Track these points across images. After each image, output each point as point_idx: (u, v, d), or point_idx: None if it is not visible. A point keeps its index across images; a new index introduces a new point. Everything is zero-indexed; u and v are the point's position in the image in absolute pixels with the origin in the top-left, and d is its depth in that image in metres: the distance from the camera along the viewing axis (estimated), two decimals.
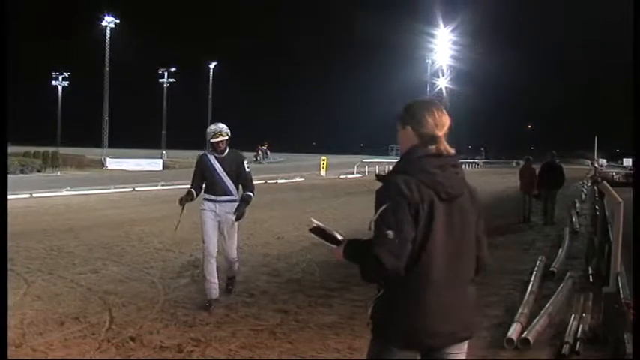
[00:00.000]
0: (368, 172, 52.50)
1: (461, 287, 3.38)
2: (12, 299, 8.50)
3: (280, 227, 16.63)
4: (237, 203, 8.61)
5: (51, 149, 54.34)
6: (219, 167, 8.55)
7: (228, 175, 8.57)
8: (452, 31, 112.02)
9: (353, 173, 49.99)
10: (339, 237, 3.57)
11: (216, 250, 8.57)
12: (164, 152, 74.34)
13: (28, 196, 24.33)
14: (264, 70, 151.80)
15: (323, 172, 47.73)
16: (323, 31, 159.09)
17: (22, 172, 41.38)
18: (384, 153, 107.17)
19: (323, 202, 25.89)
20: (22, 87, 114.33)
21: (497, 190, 32.91)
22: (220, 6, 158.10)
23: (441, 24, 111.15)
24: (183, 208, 8.66)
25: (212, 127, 8.59)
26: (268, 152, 79.09)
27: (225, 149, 8.62)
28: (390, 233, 3.15)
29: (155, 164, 56.06)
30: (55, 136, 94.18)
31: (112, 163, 54.13)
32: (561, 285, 9.61)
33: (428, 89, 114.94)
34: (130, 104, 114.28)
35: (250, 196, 8.73)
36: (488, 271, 11.28)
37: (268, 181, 36.77)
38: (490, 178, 45.85)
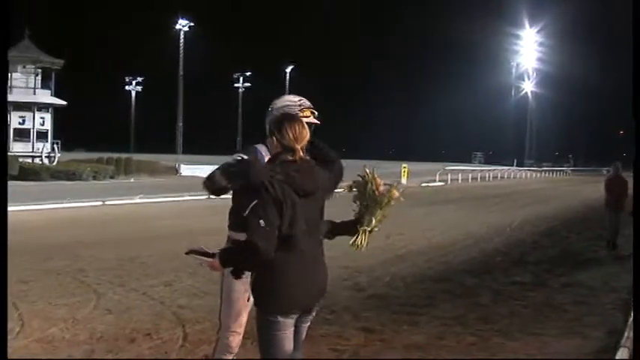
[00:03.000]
0: (451, 179, 51.90)
1: (319, 261, 4.36)
2: (81, 312, 8.43)
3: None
4: None
5: (124, 155, 55.13)
6: None
7: None
8: (538, 31, 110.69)
9: (435, 181, 49.42)
10: (211, 251, 4.13)
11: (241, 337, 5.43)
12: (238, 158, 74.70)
13: (100, 203, 24.53)
14: (342, 75, 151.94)
15: (404, 180, 47.24)
16: (402, 33, 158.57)
17: (94, 178, 41.99)
18: (467, 160, 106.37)
19: (405, 211, 25.47)
20: (95, 93, 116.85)
21: (589, 200, 31.95)
22: (295, 9, 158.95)
23: (527, 24, 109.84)
24: None
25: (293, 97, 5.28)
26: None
27: None
28: (261, 222, 3.91)
29: None
30: (129, 142, 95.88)
31: (186, 170, 54.51)
32: None
33: (513, 93, 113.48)
34: (204, 109, 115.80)
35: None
36: (583, 287, 10.92)
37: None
38: (581, 188, 44.81)
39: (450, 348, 7.42)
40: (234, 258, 4.18)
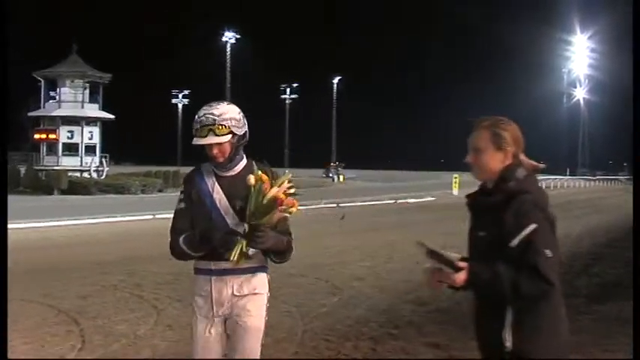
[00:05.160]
0: None
1: None
2: (142, 328, 8.43)
3: (417, 250, 16.15)
4: (256, 274, 4.34)
5: (172, 168, 55.54)
6: (219, 195, 4.31)
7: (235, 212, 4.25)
8: (589, 37, 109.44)
9: None
10: (457, 262, 3.38)
11: None
12: (287, 171, 74.63)
13: (150, 217, 24.70)
14: (390, 85, 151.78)
15: (455, 191, 46.88)
16: (451, 41, 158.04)
17: (142, 192, 42.37)
18: None
19: (458, 222, 25.21)
20: (142, 106, 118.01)
21: None
22: (342, 19, 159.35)
23: (578, 30, 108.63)
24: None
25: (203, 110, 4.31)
26: (339, 170, 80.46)
27: (232, 158, 4.31)
28: (549, 252, 3.29)
29: None
30: (176, 155, 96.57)
31: None
32: None
33: (564, 100, 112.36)
34: (251, 121, 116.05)
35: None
36: None
37: (398, 200, 36.42)
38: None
39: None
40: (492, 284, 3.33)
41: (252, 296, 4.30)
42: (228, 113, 4.22)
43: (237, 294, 4.26)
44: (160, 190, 44.73)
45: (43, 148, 54.35)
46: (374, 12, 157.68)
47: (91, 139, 55.05)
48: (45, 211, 26.86)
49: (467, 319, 9.03)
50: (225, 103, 4.33)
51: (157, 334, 8.27)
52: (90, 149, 54.49)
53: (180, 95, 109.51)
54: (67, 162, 51.41)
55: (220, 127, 4.16)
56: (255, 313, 4.31)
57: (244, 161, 4.38)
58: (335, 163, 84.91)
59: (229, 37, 76.01)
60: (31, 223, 21.52)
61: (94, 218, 23.51)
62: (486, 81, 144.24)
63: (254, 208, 3.99)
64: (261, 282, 4.34)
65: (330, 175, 79.90)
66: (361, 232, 21.34)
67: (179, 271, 12.63)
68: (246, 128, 4.35)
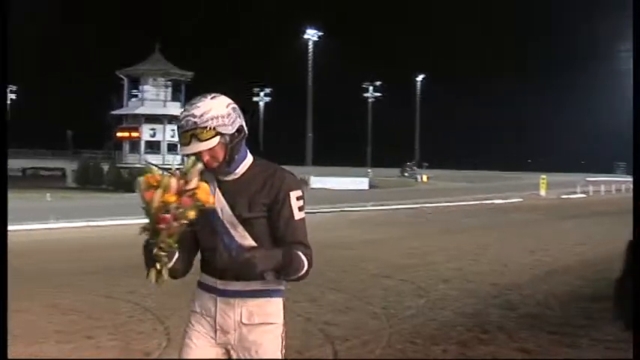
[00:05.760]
0: (592, 191, 50.52)
1: None
2: None
3: (505, 252, 16.04)
4: (270, 299, 3.64)
5: None
6: (220, 204, 3.59)
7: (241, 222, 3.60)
8: None
9: (575, 193, 48.17)
10: None
11: None
12: (369, 170, 74.62)
13: None
14: (476, 84, 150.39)
15: (542, 192, 46.29)
16: (538, 40, 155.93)
17: None
18: (608, 170, 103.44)
19: (547, 225, 24.91)
20: None
21: None
22: (425, 16, 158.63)
23: None
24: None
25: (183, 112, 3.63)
26: (415, 169, 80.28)
27: (229, 161, 3.57)
28: None
29: (361, 183, 56.53)
30: (258, 153, 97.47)
31: (315, 182, 55.05)
32: None
33: None
34: (333, 120, 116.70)
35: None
36: None
37: (484, 201, 36.11)
38: None
39: None
40: None
41: (265, 327, 3.57)
42: (212, 111, 3.45)
43: (247, 322, 3.56)
44: None
45: (126, 146, 55.57)
46: (463, 7, 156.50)
47: (173, 137, 55.95)
48: (127, 208, 27.34)
49: (556, 325, 8.92)
50: (209, 97, 3.50)
51: None
52: (172, 147, 55.45)
53: (261, 93, 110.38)
54: (150, 160, 52.26)
55: (203, 131, 3.42)
56: (270, 349, 3.57)
57: (248, 160, 3.63)
58: (412, 162, 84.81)
59: (311, 34, 76.19)
60: (120, 220, 22.01)
61: None
62: (573, 81, 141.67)
63: (148, 225, 3.23)
64: (276, 309, 3.63)
65: (406, 174, 79.79)
66: (447, 233, 21.21)
67: None
68: (239, 122, 3.54)
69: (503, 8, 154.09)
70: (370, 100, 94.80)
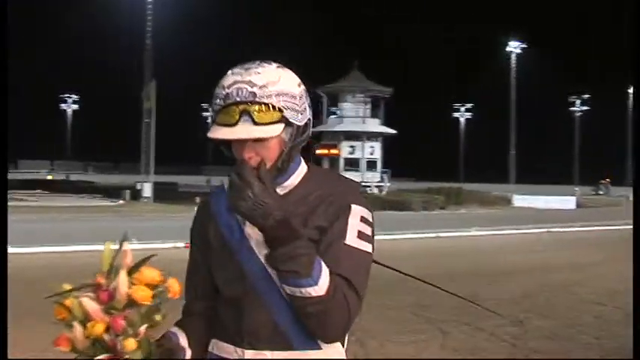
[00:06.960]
0: None
1: None
2: (427, 351, 8.37)
3: None
4: None
5: (454, 185, 55.67)
6: (253, 229, 2.22)
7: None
8: None
9: None
10: None
11: None
12: (577, 189, 72.21)
13: (434, 235, 24.78)
14: None
15: None
16: None
17: (424, 209, 42.68)
18: None
19: None
20: (423, 121, 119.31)
21: None
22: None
23: None
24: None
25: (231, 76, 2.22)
26: (609, 187, 77.11)
27: (281, 167, 2.28)
28: None
29: (568, 202, 54.84)
30: (458, 171, 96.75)
31: (519, 201, 53.85)
32: None
33: None
34: (537, 135, 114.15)
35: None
36: None
37: None
38: None
39: None
40: None
41: None
42: (280, 84, 2.21)
43: None
44: (442, 208, 44.79)
45: (325, 163, 56.40)
46: None
47: (372, 154, 56.50)
48: None
49: None
50: (273, 64, 2.27)
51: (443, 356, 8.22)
52: (371, 164, 55.93)
53: (462, 109, 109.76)
54: (349, 177, 52.93)
55: (264, 109, 2.16)
56: None
57: (302, 168, 2.40)
58: (606, 180, 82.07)
59: (514, 46, 74.94)
60: None
61: (383, 235, 23.94)
62: None
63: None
64: None
65: (601, 192, 77.06)
66: None
67: (466, 293, 12.50)
68: (309, 114, 2.33)
69: None
70: (577, 113, 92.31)
